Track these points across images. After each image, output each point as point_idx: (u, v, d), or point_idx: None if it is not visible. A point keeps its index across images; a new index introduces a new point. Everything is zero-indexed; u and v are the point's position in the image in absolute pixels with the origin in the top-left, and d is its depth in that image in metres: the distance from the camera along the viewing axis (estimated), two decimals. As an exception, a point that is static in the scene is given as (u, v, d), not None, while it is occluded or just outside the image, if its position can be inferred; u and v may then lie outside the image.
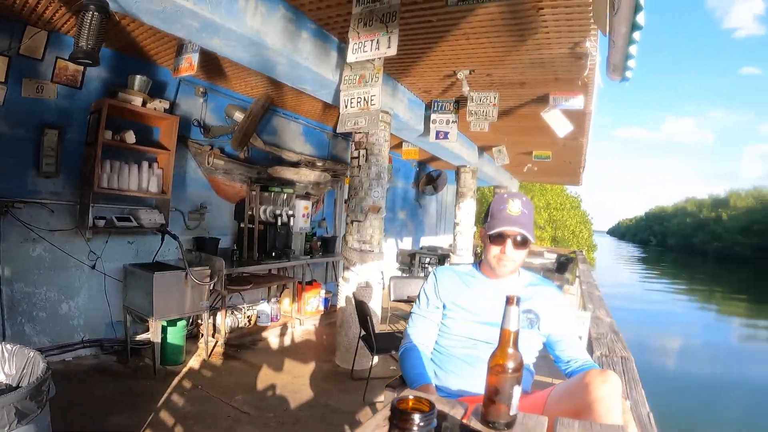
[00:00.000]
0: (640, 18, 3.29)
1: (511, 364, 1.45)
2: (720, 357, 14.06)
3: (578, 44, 4.37)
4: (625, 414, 1.81)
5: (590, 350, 3.60)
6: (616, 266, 49.27)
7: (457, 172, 10.98)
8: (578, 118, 6.95)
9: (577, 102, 5.90)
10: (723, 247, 70.43)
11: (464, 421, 1.42)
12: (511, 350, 1.47)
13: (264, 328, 6.92)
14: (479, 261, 2.50)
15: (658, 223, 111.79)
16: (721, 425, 9.18)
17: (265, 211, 7.17)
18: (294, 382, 5.23)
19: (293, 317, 7.47)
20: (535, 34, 4.25)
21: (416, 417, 0.81)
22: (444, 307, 2.34)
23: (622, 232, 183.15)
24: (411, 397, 0.85)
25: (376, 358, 5.52)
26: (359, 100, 4.60)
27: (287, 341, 6.82)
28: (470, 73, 5.38)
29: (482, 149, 10.88)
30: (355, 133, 5.68)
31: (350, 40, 3.92)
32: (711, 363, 13.39)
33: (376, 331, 5.21)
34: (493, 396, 1.45)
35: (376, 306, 5.92)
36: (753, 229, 65.98)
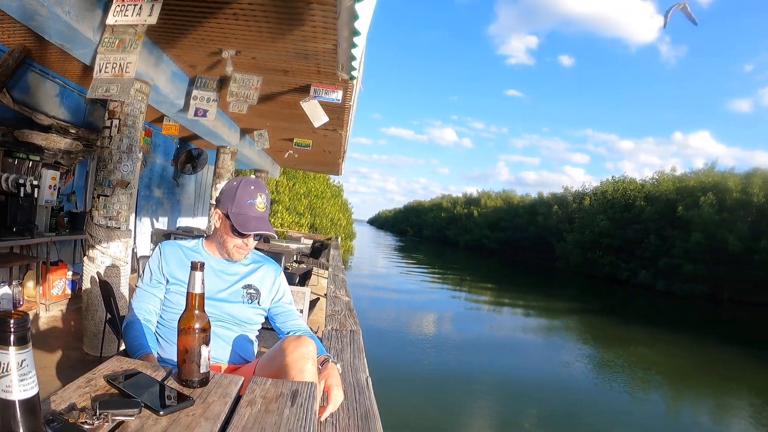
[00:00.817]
0: (359, 25, 3.71)
1: (197, 325, 1.58)
2: (466, 342, 15.77)
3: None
4: (332, 378, 2.09)
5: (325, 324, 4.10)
6: (376, 254, 52.13)
7: (217, 152, 10.90)
8: (338, 111, 7.37)
9: (336, 96, 6.25)
10: (473, 239, 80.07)
11: (165, 382, 1.56)
12: (197, 312, 1.59)
13: (5, 315, 6.31)
14: (205, 237, 2.65)
15: (416, 216, 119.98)
16: (434, 396, 10.44)
17: (7, 179, 6.40)
18: (39, 375, 4.93)
19: (38, 302, 6.79)
20: (303, 26, 4.49)
21: (10, 321, 0.95)
22: (168, 281, 2.41)
23: (381, 222, 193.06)
24: (12, 310, 1.00)
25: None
26: (114, 65, 4.43)
27: (32, 329, 6.35)
28: (236, 54, 5.47)
29: (245, 131, 10.93)
30: (110, 101, 5.44)
31: (113, 1, 3.81)
32: (458, 347, 15.04)
33: (123, 314, 5.11)
34: (184, 356, 1.57)
35: (125, 287, 5.76)
36: (499, 226, 76.20)
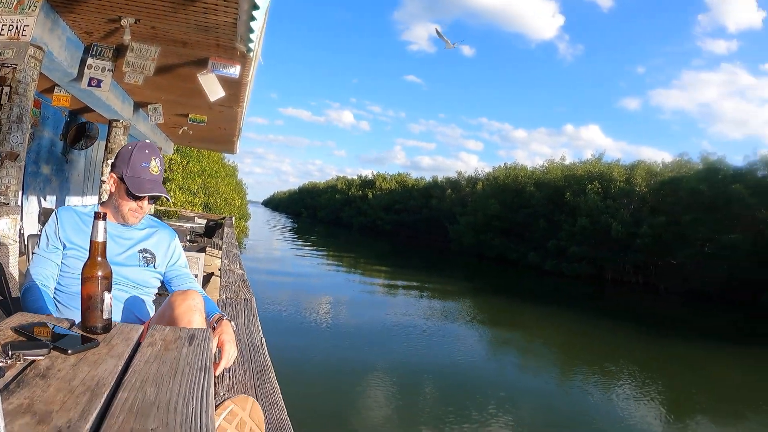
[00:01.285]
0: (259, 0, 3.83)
1: (100, 273, 1.67)
2: (362, 325, 16.28)
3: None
4: (225, 335, 2.22)
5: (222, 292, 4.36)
6: (271, 235, 52.25)
7: (109, 126, 10.45)
8: (235, 87, 7.38)
9: (234, 71, 6.27)
10: (367, 221, 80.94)
11: (70, 330, 1.65)
12: (99, 259, 1.68)
13: None
14: (101, 202, 2.72)
15: (310, 198, 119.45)
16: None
17: None
18: None
19: None
20: (206, -2, 4.45)
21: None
22: (64, 247, 2.44)
23: (276, 204, 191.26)
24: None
25: (15, 325, 5.17)
26: (11, 27, 4.29)
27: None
28: (135, 23, 5.42)
29: (139, 105, 10.63)
30: (2, 66, 5.21)
31: (13, -40, 3.69)
32: (354, 330, 15.49)
33: (15, 296, 4.95)
34: (87, 303, 1.65)
35: (14, 268, 5.52)
36: (393, 208, 77.31)
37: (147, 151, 2.46)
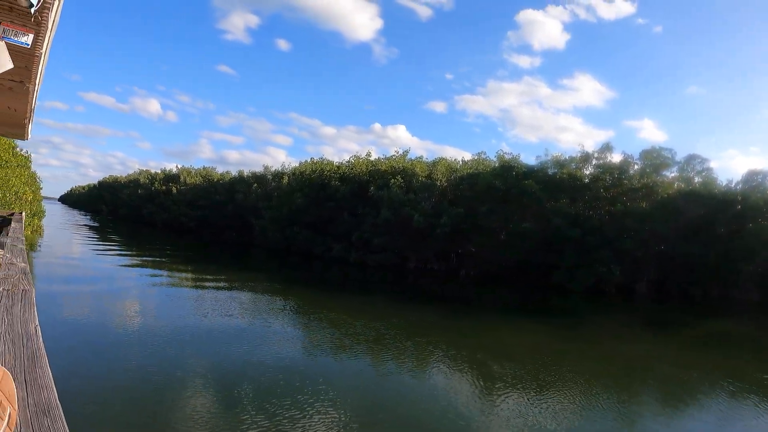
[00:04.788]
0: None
1: None
2: (173, 332, 17.21)
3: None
4: None
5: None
6: (69, 235, 48.61)
7: None
8: (26, 59, 6.58)
9: (26, 40, 5.60)
10: (171, 218, 77.63)
11: None
12: None
13: None
14: None
15: (111, 193, 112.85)
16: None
17: None
18: None
19: None
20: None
21: None
22: None
23: (74, 200, 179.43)
24: None
25: None
26: None
27: None
28: None
29: None
30: None
31: None
32: (165, 338, 16.29)
33: None
34: None
35: None
36: (198, 204, 74.91)
37: None
